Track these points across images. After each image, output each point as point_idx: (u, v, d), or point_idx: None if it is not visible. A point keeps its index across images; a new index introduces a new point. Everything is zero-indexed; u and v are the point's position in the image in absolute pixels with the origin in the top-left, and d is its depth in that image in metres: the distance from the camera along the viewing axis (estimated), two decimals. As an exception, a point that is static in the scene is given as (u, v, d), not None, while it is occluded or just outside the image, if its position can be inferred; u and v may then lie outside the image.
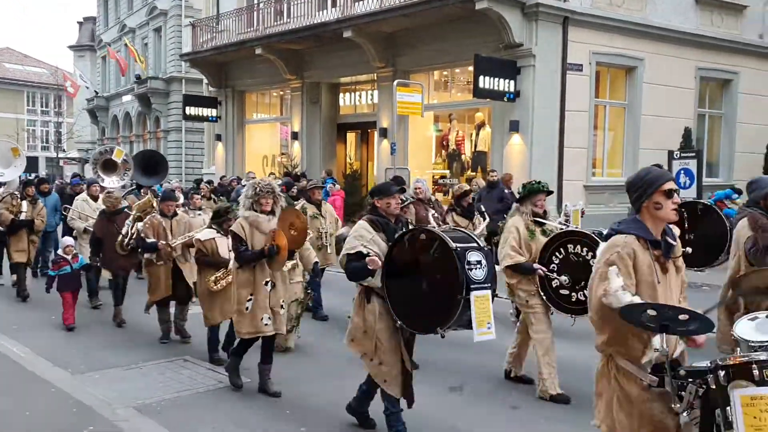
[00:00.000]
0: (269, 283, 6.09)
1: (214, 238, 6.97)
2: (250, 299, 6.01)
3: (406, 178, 13.99)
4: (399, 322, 4.82)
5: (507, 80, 14.07)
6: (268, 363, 6.25)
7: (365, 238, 4.92)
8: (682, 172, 13.17)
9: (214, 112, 22.76)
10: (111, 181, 12.24)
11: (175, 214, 8.11)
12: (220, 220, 7.02)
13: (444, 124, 17.57)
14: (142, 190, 13.09)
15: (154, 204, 12.38)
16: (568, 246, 5.91)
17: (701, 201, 8.20)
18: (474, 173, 16.18)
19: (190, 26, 23.20)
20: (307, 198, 9.31)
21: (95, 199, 10.72)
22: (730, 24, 17.03)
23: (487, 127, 15.98)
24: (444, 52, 15.52)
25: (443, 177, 17.23)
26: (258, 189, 6.05)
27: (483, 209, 8.95)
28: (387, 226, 5.02)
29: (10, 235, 10.61)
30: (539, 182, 6.30)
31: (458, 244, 4.46)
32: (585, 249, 5.78)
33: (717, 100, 17.55)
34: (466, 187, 9.32)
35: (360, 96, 19.63)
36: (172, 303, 8.19)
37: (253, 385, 6.38)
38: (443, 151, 17.52)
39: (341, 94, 20.14)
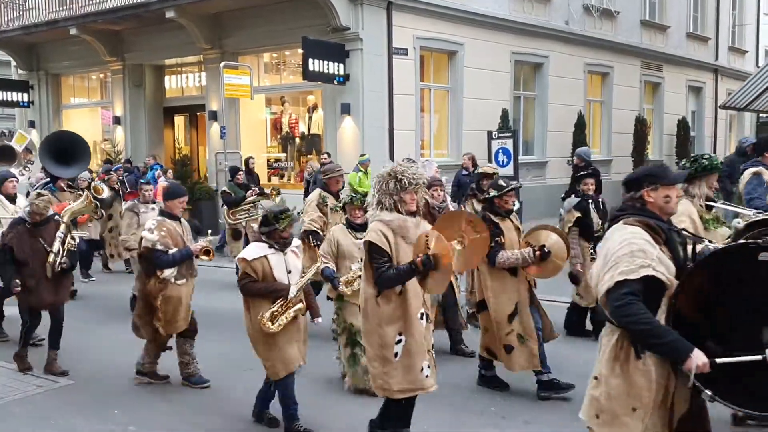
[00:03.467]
0: (425, 316, 4.46)
1: (265, 256, 5.04)
2: (400, 340, 4.33)
3: (237, 162, 13.80)
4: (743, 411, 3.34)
5: (336, 63, 14.22)
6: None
7: (651, 256, 3.16)
8: (501, 151, 14.07)
9: (25, 97, 20.96)
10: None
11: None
12: (271, 229, 5.06)
13: (277, 106, 17.45)
14: (56, 185, 10.40)
15: (103, 196, 10.40)
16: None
17: None
18: (310, 156, 16.26)
19: (-7, 2, 21.19)
20: (324, 187, 7.85)
21: (12, 199, 8.00)
22: (540, 11, 18.27)
23: (320, 109, 16.09)
24: (272, 34, 15.36)
25: (278, 160, 17.15)
26: (407, 179, 4.32)
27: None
28: (669, 234, 3.32)
29: None
30: (710, 157, 5.15)
31: None
32: None
33: (530, 82, 18.80)
34: (492, 167, 8.25)
35: (187, 78, 18.96)
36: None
37: (75, 387, 6.07)
38: (277, 135, 17.42)
39: (167, 77, 19.34)
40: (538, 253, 5.61)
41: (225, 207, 11.36)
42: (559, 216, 7.60)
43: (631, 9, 21.12)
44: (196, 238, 6.50)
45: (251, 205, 11.12)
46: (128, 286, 9.78)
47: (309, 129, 16.69)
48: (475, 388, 6.06)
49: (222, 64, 14.25)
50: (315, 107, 16.45)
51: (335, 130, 14.89)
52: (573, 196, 7.89)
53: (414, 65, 15.35)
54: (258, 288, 5.01)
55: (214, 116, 16.61)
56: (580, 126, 18.13)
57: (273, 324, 4.96)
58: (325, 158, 13.33)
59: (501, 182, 5.89)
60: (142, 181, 10.23)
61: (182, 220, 6.34)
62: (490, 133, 15.02)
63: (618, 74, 20.82)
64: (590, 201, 7.35)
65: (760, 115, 22.72)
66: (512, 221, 5.88)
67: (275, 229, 5.01)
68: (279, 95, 17.32)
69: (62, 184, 10.29)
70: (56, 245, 6.47)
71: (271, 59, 17.33)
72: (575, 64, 19.26)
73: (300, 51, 14.16)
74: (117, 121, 19.24)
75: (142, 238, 6.04)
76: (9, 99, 20.78)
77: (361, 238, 5.40)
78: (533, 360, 5.71)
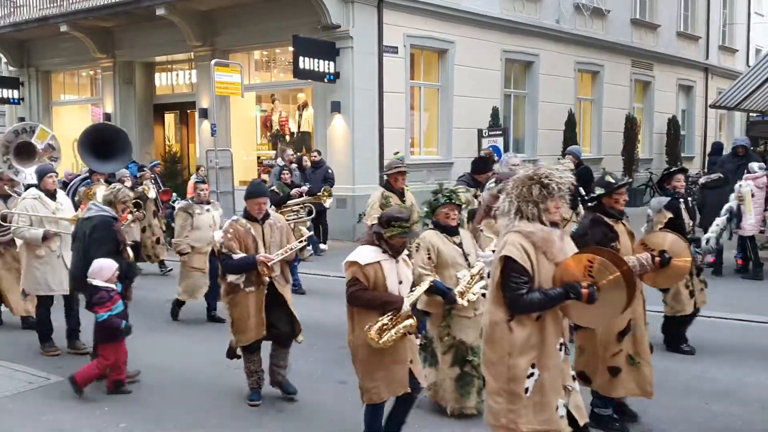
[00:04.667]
0: (563, 347, 3.85)
1: (379, 262, 4.44)
2: (533, 374, 3.72)
3: (227, 160, 13.81)
4: None
5: (327, 61, 14.24)
6: None
7: None
8: (491, 149, 14.07)
9: (16, 94, 20.89)
10: (31, 174, 8.97)
11: (267, 215, 5.73)
12: (396, 233, 4.40)
13: (267, 104, 17.45)
14: (93, 180, 9.85)
15: (150, 195, 10.18)
16: None
17: None
18: (300, 153, 16.25)
19: (-17, -1, 21.09)
20: (386, 185, 7.18)
21: (53, 196, 7.36)
22: (530, 9, 18.33)
23: (310, 107, 16.10)
24: (263, 31, 15.37)
25: (269, 159, 17.17)
26: (555, 184, 3.74)
27: (582, 193, 6.89)
28: None
29: None
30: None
31: None
32: None
33: (521, 80, 18.86)
34: (568, 162, 7.33)
35: (177, 76, 18.94)
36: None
37: (66, 384, 6.09)
38: (267, 132, 17.43)
39: (157, 74, 19.31)
40: (657, 258, 4.93)
41: (272, 207, 10.55)
42: (647, 217, 6.75)
43: (621, 8, 21.21)
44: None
45: (300, 205, 9.75)
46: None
47: (299, 127, 16.70)
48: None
49: (213, 61, 14.25)
50: (305, 105, 16.46)
51: (325, 128, 14.91)
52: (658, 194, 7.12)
53: (404, 63, 15.38)
54: (369, 297, 4.38)
55: (204, 113, 16.60)
56: (571, 124, 18.22)
57: (381, 339, 4.33)
58: (315, 156, 13.35)
59: (609, 179, 5.13)
60: (197, 180, 9.30)
61: (273, 223, 5.71)
62: (480, 131, 15.07)
63: (608, 73, 20.92)
64: (681, 199, 6.64)
65: (751, 114, 22.86)
66: (625, 225, 5.10)
67: (401, 233, 4.40)
68: (269, 93, 17.32)
69: (100, 180, 9.73)
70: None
71: (261, 57, 17.34)
72: (566, 63, 19.34)
73: (290, 49, 14.17)
74: (107, 118, 19.16)
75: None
76: (-1, 96, 20.71)
77: (458, 243, 5.20)
78: (645, 386, 4.92)
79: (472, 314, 5.07)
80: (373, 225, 4.59)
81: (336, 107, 14.58)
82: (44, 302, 7.19)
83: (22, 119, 21.39)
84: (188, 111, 18.65)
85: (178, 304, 8.45)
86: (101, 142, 10.14)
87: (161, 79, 19.29)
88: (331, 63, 14.29)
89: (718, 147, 15.81)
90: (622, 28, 21.37)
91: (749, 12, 28.60)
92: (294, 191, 10.19)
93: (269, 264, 5.42)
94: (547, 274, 3.70)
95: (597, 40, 20.20)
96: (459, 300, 4.99)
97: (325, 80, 14.30)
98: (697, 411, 5.42)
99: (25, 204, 7.17)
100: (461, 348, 5.10)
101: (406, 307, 4.41)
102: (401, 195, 7.13)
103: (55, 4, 18.40)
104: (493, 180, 7.12)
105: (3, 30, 19.76)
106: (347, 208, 14.16)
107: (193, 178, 13.20)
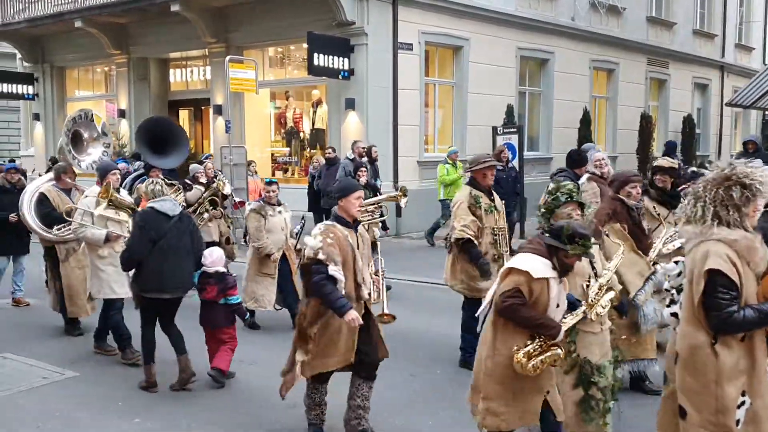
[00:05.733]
0: None
1: (548, 279, 3.93)
2: (743, 402, 3.28)
3: (241, 157, 13.80)
4: None
5: (341, 58, 14.21)
6: None
7: None
8: (505, 147, 13.99)
9: (30, 90, 20.98)
10: (88, 162, 8.59)
11: (357, 221, 4.90)
12: (578, 252, 3.92)
13: (281, 101, 17.45)
14: (150, 176, 8.93)
15: (225, 191, 9.47)
16: None
17: None
18: (314, 150, 16.27)
19: (-2, -5, 21.19)
20: (472, 183, 6.35)
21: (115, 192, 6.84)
22: (546, 6, 18.21)
23: (324, 104, 16.08)
24: (277, 28, 15.35)
25: (284, 155, 17.18)
26: (757, 184, 3.32)
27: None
28: None
29: None
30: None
31: None
32: None
33: (536, 78, 18.75)
34: (669, 161, 6.52)
35: (192, 72, 18.97)
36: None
37: (80, 379, 6.09)
38: (281, 129, 17.42)
39: (171, 70, 19.34)
40: None
41: None
42: None
43: (637, 5, 21.04)
44: None
45: (376, 205, 9.00)
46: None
47: (313, 124, 16.68)
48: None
49: (227, 58, 14.24)
50: (319, 102, 16.44)
51: (339, 125, 14.88)
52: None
53: (419, 60, 15.32)
54: (528, 315, 3.89)
55: (218, 110, 16.61)
56: (586, 122, 18.08)
57: (528, 364, 3.89)
58: (330, 152, 13.29)
59: None
60: (266, 180, 8.53)
61: (361, 231, 4.95)
62: (495, 129, 14.98)
63: (624, 71, 20.76)
64: None
65: (766, 112, 22.63)
66: None
67: (563, 250, 3.91)
68: (284, 90, 17.32)
69: (159, 175, 8.88)
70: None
71: (276, 54, 17.33)
72: (581, 60, 19.21)
73: (305, 45, 14.15)
74: (122, 114, 19.27)
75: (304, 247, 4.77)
76: (14, 91, 20.79)
77: None
78: None
79: (599, 329, 4.40)
80: (544, 233, 4.06)
81: (350, 104, 14.54)
82: (110, 307, 6.72)
83: (36, 115, 21.54)
84: (203, 107, 18.67)
85: (251, 314, 7.79)
86: (157, 137, 9.65)
87: (176, 76, 19.32)
88: (346, 60, 14.26)
89: (671, 146, 15.79)
90: (638, 25, 21.20)
91: (766, 10, 28.28)
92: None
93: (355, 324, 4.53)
94: (752, 287, 3.27)
95: (612, 38, 20.04)
96: (587, 313, 4.35)
97: (340, 77, 14.26)
98: None
99: (87, 202, 6.67)
100: (586, 368, 4.42)
101: (560, 336, 3.95)
102: (490, 193, 6.32)
103: (70, 0, 18.47)
104: (585, 179, 6.79)
105: (18, 26, 19.86)
106: (361, 205, 14.10)
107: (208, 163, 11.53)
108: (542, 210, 4.63)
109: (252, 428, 5.22)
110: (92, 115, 8.93)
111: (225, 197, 9.92)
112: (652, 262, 5.43)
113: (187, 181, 9.81)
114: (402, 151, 14.93)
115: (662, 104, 23.00)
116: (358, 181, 9.52)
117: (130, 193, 8.38)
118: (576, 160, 7.74)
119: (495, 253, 6.18)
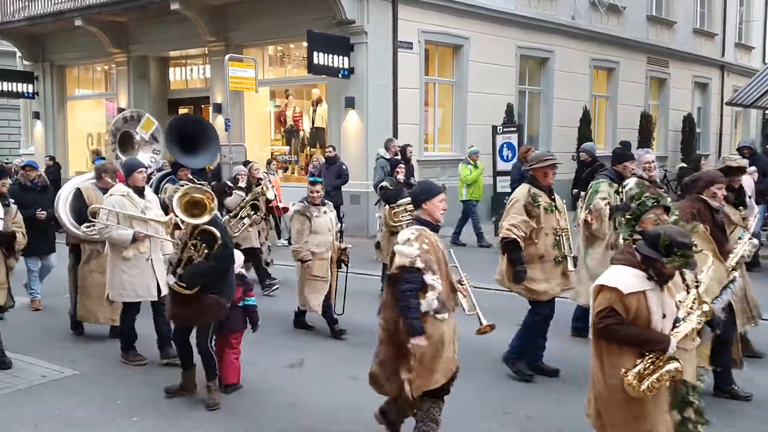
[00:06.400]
0: None
1: (644, 291, 3.68)
2: None
3: (241, 155, 13.79)
4: None
5: (341, 57, 14.20)
6: None
7: None
8: (505, 146, 14.00)
9: (30, 88, 20.95)
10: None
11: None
12: (678, 264, 3.66)
13: (281, 100, 17.44)
14: (179, 176, 8.81)
15: (269, 196, 8.95)
16: None
17: None
18: (313, 149, 16.26)
19: (-2, -7, 21.18)
20: (532, 181, 6.02)
21: (141, 192, 6.57)
22: (546, 5, 18.19)
23: (324, 103, 16.07)
24: (277, 26, 15.35)
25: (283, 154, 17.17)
26: None
27: (749, 194, 6.09)
28: None
29: None
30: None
31: None
32: None
33: (536, 77, 18.73)
34: (737, 159, 6.34)
35: (191, 70, 18.97)
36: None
37: (80, 378, 6.09)
38: (281, 128, 17.42)
39: (171, 69, 19.34)
40: None
41: (386, 205, 9.08)
42: None
43: (637, 4, 21.03)
44: None
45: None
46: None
47: (313, 122, 16.68)
48: (475, 381, 6.01)
49: (227, 56, 14.24)
50: (319, 101, 16.43)
51: (339, 123, 14.87)
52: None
53: (419, 59, 15.31)
54: (630, 333, 3.64)
55: (218, 109, 16.60)
56: (586, 121, 18.08)
57: (641, 386, 3.62)
58: (330, 151, 13.28)
59: None
60: (310, 179, 8.01)
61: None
62: (494, 128, 14.97)
63: (624, 70, 20.74)
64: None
65: (766, 111, 22.61)
66: None
67: (655, 259, 3.63)
68: (283, 88, 17.31)
69: (186, 175, 8.73)
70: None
71: (275, 52, 17.32)
72: (581, 59, 19.19)
73: (305, 44, 14.13)
74: (121, 112, 19.24)
75: (393, 255, 4.37)
76: (14, 90, 20.75)
77: None
78: None
79: (691, 346, 4.06)
80: (637, 242, 3.78)
81: (350, 103, 14.53)
82: (130, 310, 6.54)
83: (36, 114, 21.54)
84: (202, 106, 18.64)
85: (301, 314, 7.70)
86: (187, 135, 9.13)
87: (175, 74, 19.31)
88: (346, 58, 14.25)
89: (625, 146, 15.46)
90: (638, 24, 21.18)
91: (766, 9, 28.25)
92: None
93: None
94: None
95: (613, 37, 20.02)
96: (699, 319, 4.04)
97: (340, 76, 14.25)
98: None
99: (112, 201, 6.40)
100: (681, 388, 4.02)
101: (672, 348, 3.68)
102: (550, 192, 5.96)
103: (70, -1, 18.47)
104: (633, 181, 6.41)
105: (18, 24, 19.85)
106: (360, 204, 14.13)
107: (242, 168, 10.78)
108: (626, 217, 4.40)
109: (252, 428, 5.22)
110: (145, 117, 8.54)
111: (269, 202, 9.56)
112: (730, 269, 5.22)
113: (228, 183, 9.51)
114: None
115: (662, 103, 22.98)
116: (396, 178, 9.51)
117: (157, 192, 8.20)
118: (620, 157, 7.00)
119: (557, 254, 5.89)
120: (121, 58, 18.86)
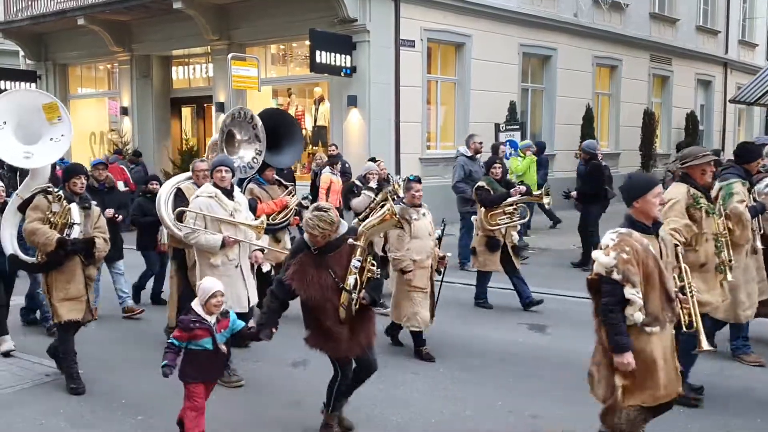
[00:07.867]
0: None
1: None
2: None
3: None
4: None
5: (343, 55, 14.21)
6: None
7: None
8: (508, 143, 14.00)
9: (33, 87, 21.01)
10: (239, 165, 7.30)
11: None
12: None
13: (283, 98, 17.45)
14: (264, 176, 7.92)
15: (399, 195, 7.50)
16: None
17: None
18: (315, 147, 16.27)
19: (1, -8, 21.20)
20: (686, 180, 5.45)
21: (230, 193, 5.94)
22: (548, 3, 18.14)
23: (326, 101, 16.08)
24: (280, 25, 15.36)
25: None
26: None
27: None
28: None
29: (53, 269, 5.80)
30: None
31: None
32: None
33: (538, 74, 18.71)
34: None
35: (194, 69, 19.00)
36: None
37: (84, 376, 6.10)
38: (283, 126, 17.40)
39: (174, 68, 19.37)
40: None
41: (482, 208, 8.37)
42: None
43: (640, 1, 20.99)
44: None
45: (514, 206, 8.28)
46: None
47: (315, 121, 16.69)
48: (480, 381, 6.01)
49: (230, 55, 14.25)
50: (321, 99, 16.45)
51: (341, 122, 14.88)
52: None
53: (421, 57, 15.30)
54: None
55: (221, 107, 16.61)
56: (589, 119, 18.08)
57: None
58: (332, 149, 13.29)
59: None
60: (410, 178, 7.22)
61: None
62: (497, 126, 14.99)
63: (627, 67, 20.72)
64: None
65: (770, 109, 22.61)
66: None
67: None
68: (286, 87, 17.32)
69: (272, 175, 7.95)
70: (350, 278, 4.58)
71: (278, 51, 17.33)
72: (583, 57, 19.17)
73: (307, 43, 14.16)
74: (124, 111, 19.31)
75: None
76: (16, 88, 20.79)
77: None
78: None
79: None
80: None
81: (352, 101, 14.54)
82: None
83: (39, 112, 21.55)
84: (205, 105, 18.70)
85: (396, 328, 6.93)
86: (270, 131, 7.97)
87: (178, 73, 19.34)
88: (348, 57, 14.26)
89: (542, 146, 14.85)
90: (641, 22, 21.15)
91: (770, 6, 28.22)
92: (513, 191, 8.33)
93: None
94: None
95: (615, 35, 19.99)
96: None
97: (342, 74, 14.27)
98: None
99: (198, 203, 5.82)
100: None
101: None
102: (708, 193, 5.34)
103: (73, -3, 18.49)
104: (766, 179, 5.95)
105: (21, 23, 19.89)
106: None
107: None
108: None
109: (254, 426, 5.24)
110: (251, 115, 7.74)
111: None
112: None
113: (357, 183, 8.68)
114: (404, 148, 14.93)
115: (665, 101, 22.95)
116: (492, 175, 8.57)
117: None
118: (743, 154, 6.24)
119: (719, 262, 5.29)
120: (124, 57, 18.90)
